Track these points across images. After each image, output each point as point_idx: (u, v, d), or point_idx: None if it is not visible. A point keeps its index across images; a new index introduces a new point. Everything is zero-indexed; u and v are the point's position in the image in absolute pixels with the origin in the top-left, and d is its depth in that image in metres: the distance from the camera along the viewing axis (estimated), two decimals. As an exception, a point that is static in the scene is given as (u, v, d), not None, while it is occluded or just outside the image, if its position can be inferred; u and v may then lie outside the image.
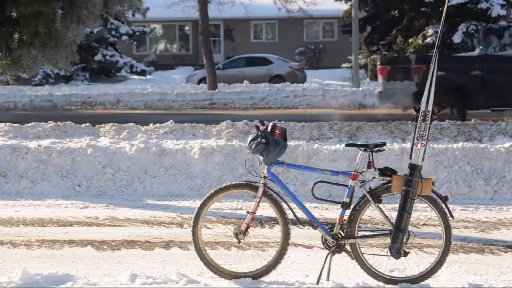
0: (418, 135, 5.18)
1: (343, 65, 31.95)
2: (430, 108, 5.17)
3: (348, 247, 5.41)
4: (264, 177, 5.45)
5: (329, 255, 5.36)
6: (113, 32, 32.69)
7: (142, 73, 33.08)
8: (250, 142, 5.39)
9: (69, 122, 12.11)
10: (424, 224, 7.09)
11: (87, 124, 11.99)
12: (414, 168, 5.16)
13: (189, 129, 11.38)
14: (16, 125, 11.69)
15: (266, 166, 5.45)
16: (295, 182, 9.06)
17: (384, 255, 5.36)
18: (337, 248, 5.38)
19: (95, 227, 7.60)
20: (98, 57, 31.62)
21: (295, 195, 5.56)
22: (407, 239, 5.26)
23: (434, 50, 5.18)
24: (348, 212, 5.38)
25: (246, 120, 11.44)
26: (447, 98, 14.22)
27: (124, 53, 34.32)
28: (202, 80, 27.31)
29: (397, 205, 5.23)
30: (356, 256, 5.40)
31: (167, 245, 6.80)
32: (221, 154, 9.64)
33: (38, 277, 5.25)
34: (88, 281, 5.29)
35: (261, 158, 5.42)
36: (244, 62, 29.27)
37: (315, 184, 5.55)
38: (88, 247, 6.76)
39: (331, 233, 5.40)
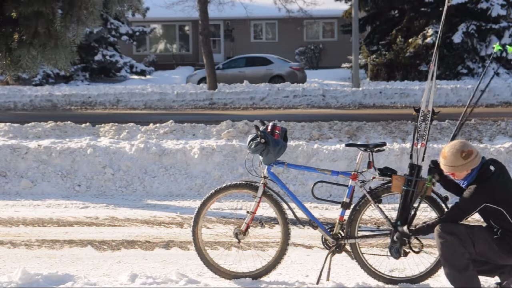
0: (418, 135, 5.18)
1: (343, 65, 31.95)
2: (430, 108, 5.16)
3: (348, 247, 5.41)
4: (264, 177, 5.44)
5: (329, 255, 5.36)
6: (113, 32, 32.66)
7: (142, 73, 33.05)
8: (250, 142, 5.39)
9: (69, 122, 12.12)
10: (424, 224, 7.07)
11: (87, 124, 12.00)
12: (414, 168, 5.16)
13: (189, 129, 11.38)
14: (16, 125, 11.69)
15: (266, 166, 5.45)
16: (295, 182, 9.05)
17: (384, 255, 5.36)
18: (337, 248, 5.38)
19: (95, 227, 7.60)
20: (98, 57, 31.57)
21: (295, 195, 5.56)
22: (407, 239, 5.25)
23: (434, 50, 5.17)
24: (348, 212, 5.38)
25: (246, 120, 11.45)
26: None
27: (124, 53, 34.29)
28: (202, 80, 27.27)
29: (397, 205, 5.23)
30: (356, 256, 5.40)
31: (167, 245, 6.79)
32: (221, 154, 9.64)
33: (38, 277, 5.25)
34: (88, 281, 5.28)
35: (261, 158, 5.42)
36: (244, 62, 29.22)
37: (315, 184, 5.55)
38: (88, 247, 6.76)
39: (331, 233, 5.40)
